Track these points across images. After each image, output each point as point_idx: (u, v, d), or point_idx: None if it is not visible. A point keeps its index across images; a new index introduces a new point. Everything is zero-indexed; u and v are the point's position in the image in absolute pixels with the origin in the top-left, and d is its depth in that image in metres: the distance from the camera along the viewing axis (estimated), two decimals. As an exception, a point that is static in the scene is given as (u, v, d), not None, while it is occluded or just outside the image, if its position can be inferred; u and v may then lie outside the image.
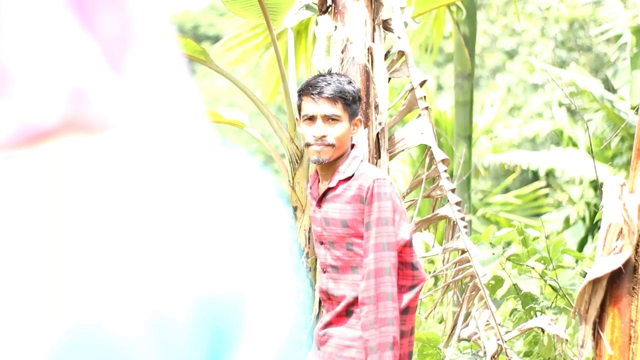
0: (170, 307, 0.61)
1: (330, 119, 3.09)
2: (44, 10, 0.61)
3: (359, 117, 3.18)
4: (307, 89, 3.14)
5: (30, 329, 0.58)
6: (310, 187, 3.29)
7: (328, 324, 3.15)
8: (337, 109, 3.10)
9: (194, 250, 0.62)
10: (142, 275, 0.60)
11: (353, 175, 3.09)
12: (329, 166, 3.13)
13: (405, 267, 3.08)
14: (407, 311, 3.08)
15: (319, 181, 3.23)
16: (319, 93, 3.10)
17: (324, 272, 3.18)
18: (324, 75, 3.18)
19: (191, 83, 0.67)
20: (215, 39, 18.62)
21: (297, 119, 3.24)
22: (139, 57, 0.65)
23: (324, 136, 3.08)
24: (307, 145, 3.12)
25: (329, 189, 3.14)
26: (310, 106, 3.12)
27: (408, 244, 3.06)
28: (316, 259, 3.99)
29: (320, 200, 3.17)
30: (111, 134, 0.63)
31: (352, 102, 3.14)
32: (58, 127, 0.61)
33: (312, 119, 3.11)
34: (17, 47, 0.61)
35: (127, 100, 0.64)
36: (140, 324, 0.60)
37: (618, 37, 10.05)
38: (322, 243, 3.19)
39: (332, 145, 3.08)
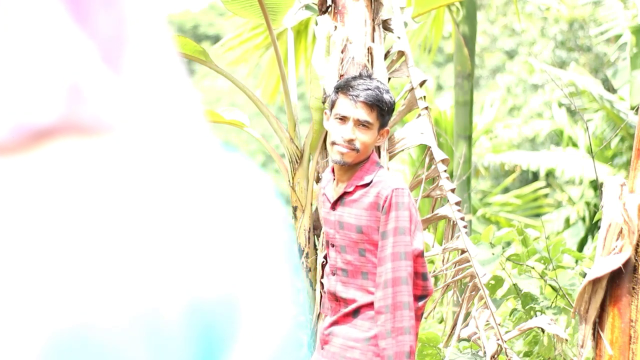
0: (163, 307, 0.61)
1: (362, 124, 3.07)
2: (39, 7, 0.61)
3: (387, 127, 3.16)
4: (347, 89, 3.10)
5: (22, 328, 0.58)
6: (324, 187, 3.26)
7: (334, 323, 3.15)
8: (371, 117, 3.07)
9: (187, 251, 0.62)
10: (136, 276, 0.60)
11: (371, 182, 3.07)
12: (348, 169, 3.11)
13: (416, 277, 3.07)
14: None
15: (333, 181, 3.20)
16: (358, 96, 3.07)
17: (333, 274, 3.16)
18: (364, 78, 3.14)
19: (188, 82, 0.67)
20: (215, 39, 18.62)
21: (326, 113, 3.21)
22: (135, 55, 0.65)
23: (352, 140, 3.06)
24: (333, 143, 3.09)
25: (345, 193, 3.11)
26: (346, 107, 3.08)
27: (420, 254, 3.05)
28: (316, 259, 3.99)
29: (335, 203, 3.14)
30: (108, 132, 0.63)
31: (387, 113, 3.12)
32: (55, 127, 0.61)
33: (344, 119, 3.08)
34: (13, 45, 0.61)
35: (124, 99, 0.64)
36: (133, 324, 0.60)
37: (618, 37, 10.05)
38: (333, 245, 3.16)
39: (357, 150, 3.06)
